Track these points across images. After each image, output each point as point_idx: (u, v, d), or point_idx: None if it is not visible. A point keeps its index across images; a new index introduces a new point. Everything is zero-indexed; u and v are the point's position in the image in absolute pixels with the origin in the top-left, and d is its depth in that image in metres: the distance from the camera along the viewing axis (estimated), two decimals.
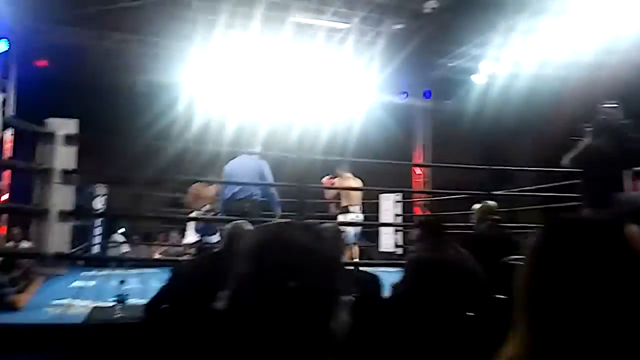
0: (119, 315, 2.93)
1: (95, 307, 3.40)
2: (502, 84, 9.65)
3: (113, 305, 3.08)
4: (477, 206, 3.88)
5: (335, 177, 7.27)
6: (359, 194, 7.28)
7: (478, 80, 10.16)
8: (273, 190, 5.19)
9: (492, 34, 8.80)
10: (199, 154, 8.22)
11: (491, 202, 3.96)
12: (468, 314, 2.56)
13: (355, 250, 7.05)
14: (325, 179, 7.33)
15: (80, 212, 6.90)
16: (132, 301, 3.37)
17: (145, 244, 9.61)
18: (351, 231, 6.80)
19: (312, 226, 0.85)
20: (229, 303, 0.83)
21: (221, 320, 0.85)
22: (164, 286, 2.80)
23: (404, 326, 2.35)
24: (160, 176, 8.44)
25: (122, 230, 9.08)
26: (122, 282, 3.10)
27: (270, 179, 5.17)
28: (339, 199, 7.17)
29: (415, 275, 2.67)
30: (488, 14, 8.13)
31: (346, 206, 7.04)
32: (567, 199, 6.53)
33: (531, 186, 7.89)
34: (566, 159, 5.15)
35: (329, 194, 7.22)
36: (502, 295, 3.10)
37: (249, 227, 3.04)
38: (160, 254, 9.14)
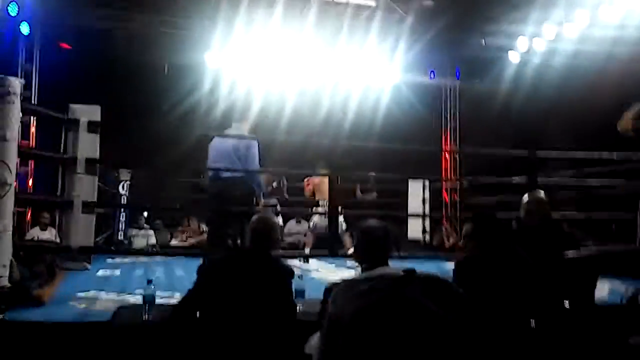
0: (147, 316, 2.76)
1: (121, 307, 3.24)
2: (539, 61, 9.21)
3: (140, 305, 2.91)
4: (526, 197, 3.58)
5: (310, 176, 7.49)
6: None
7: (512, 58, 9.71)
8: (256, 172, 4.84)
9: (530, 8, 8.33)
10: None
11: (541, 192, 3.65)
12: (531, 324, 2.30)
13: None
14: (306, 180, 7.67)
15: (105, 203, 6.76)
16: (159, 295, 3.19)
17: (167, 230, 9.53)
18: (319, 222, 7.08)
19: (441, 281, 0.59)
20: None
21: None
22: (191, 289, 2.58)
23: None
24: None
25: (145, 215, 9.00)
26: (149, 282, 2.91)
27: (253, 159, 4.76)
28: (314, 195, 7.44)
29: (467, 280, 2.38)
30: None
31: (317, 200, 7.27)
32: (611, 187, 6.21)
33: (566, 169, 7.52)
34: (625, 124, 4.71)
35: (307, 191, 7.57)
36: (564, 295, 2.84)
37: (275, 219, 2.84)
38: (182, 240, 9.07)
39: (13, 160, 3.11)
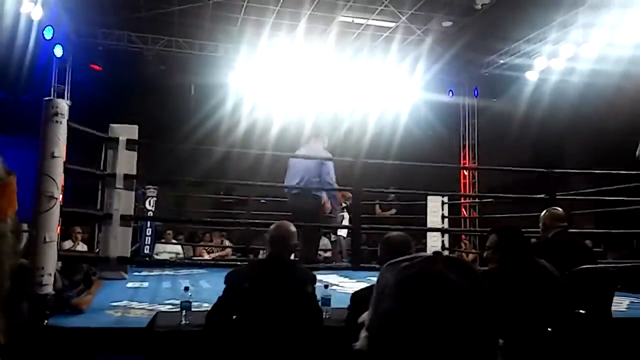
0: (185, 322, 2.93)
1: (159, 312, 3.42)
2: (556, 80, 9.32)
3: (177, 312, 3.09)
4: (544, 212, 3.71)
5: None
6: None
7: (530, 77, 9.83)
8: (329, 185, 4.98)
9: (547, 29, 8.49)
10: (244, 154, 8.28)
11: (559, 208, 3.78)
12: (548, 329, 2.42)
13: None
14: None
15: (140, 216, 6.98)
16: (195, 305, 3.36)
17: (190, 244, 9.74)
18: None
19: (461, 260, 0.77)
20: (369, 344, 0.76)
21: None
22: (220, 297, 2.77)
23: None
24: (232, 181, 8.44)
25: (170, 231, 9.24)
26: (186, 288, 3.09)
27: (326, 174, 4.96)
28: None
29: (492, 291, 2.50)
30: (541, 9, 7.86)
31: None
32: (629, 203, 6.26)
33: (585, 189, 7.59)
34: None
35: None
36: (580, 306, 2.94)
37: (293, 228, 2.93)
38: (208, 253, 9.28)
39: (59, 176, 3.34)
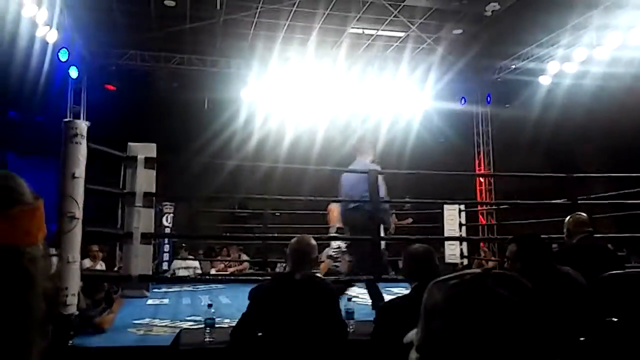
0: (209, 339, 2.91)
1: (183, 330, 3.41)
2: (569, 84, 9.25)
3: (200, 329, 3.08)
4: (568, 218, 3.65)
5: None
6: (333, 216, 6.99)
7: (543, 81, 9.76)
8: (380, 200, 4.90)
9: (560, 33, 8.44)
10: (258, 167, 8.29)
11: (583, 214, 3.71)
12: (580, 339, 2.36)
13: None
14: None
15: (160, 234, 6.98)
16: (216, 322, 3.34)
17: (207, 259, 9.74)
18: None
19: (511, 276, 0.75)
20: None
21: None
22: (245, 313, 2.75)
23: None
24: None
25: (184, 246, 9.26)
26: (209, 305, 3.08)
27: (378, 188, 4.86)
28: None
29: None
30: (553, 13, 7.81)
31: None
32: None
33: (603, 192, 7.48)
34: None
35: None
36: (610, 313, 2.88)
37: (313, 241, 2.92)
38: (222, 269, 9.27)
39: (81, 196, 3.37)
